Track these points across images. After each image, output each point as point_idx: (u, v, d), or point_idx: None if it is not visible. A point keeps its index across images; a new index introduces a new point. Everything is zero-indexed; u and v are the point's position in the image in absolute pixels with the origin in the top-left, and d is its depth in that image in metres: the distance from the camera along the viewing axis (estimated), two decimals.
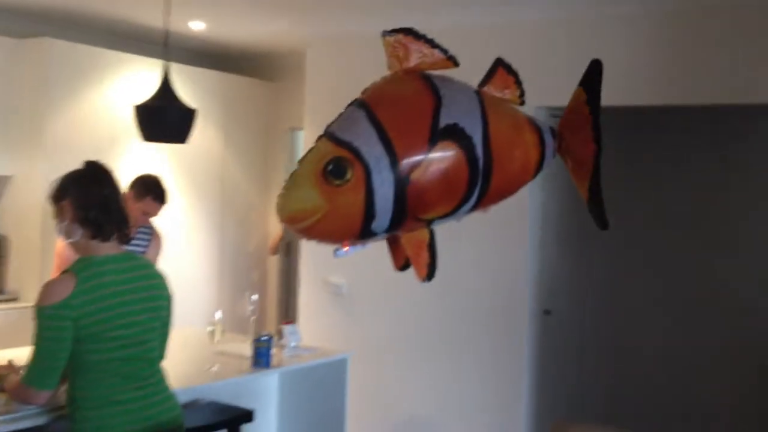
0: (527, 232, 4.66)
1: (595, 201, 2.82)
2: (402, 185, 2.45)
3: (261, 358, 3.60)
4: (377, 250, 5.20)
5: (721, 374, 5.06)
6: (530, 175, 2.89)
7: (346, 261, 5.14)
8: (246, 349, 3.74)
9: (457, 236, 4.80)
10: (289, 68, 6.17)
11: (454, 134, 2.52)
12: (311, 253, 5.32)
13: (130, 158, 5.18)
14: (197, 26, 5.35)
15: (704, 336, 5.15)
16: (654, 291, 5.39)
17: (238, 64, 6.39)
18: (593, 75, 2.84)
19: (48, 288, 2.44)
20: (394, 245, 2.80)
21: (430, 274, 2.70)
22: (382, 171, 2.41)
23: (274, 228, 6.21)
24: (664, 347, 5.31)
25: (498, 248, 4.72)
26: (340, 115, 2.55)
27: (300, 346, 3.99)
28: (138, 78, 5.29)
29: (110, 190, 2.60)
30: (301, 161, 2.48)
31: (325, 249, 5.36)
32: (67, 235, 2.54)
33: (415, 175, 2.45)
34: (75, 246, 2.55)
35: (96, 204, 2.52)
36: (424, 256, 2.71)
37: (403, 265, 2.76)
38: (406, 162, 2.45)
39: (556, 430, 2.85)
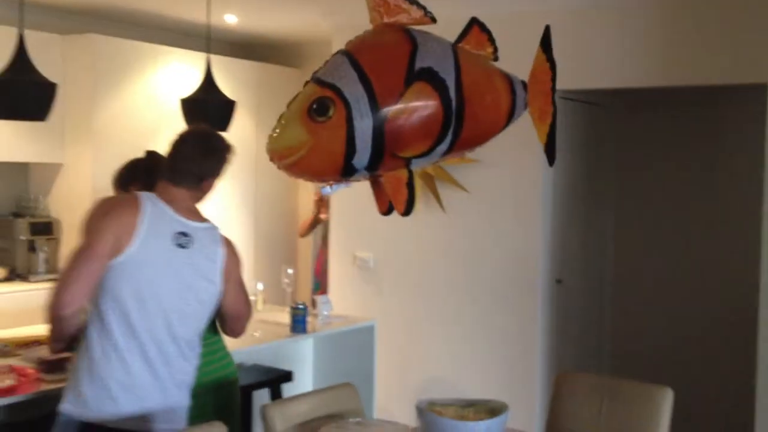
0: (540, 205, 4.97)
1: (550, 143, 3.13)
2: (380, 122, 2.63)
3: (298, 324, 3.95)
4: (400, 228, 5.61)
5: (721, 342, 5.40)
6: (503, 122, 3.07)
7: (373, 237, 5.54)
8: (284, 317, 4.10)
9: (472, 210, 5.17)
10: (317, 56, 6.48)
11: (428, 76, 2.71)
12: (341, 230, 5.68)
13: None
14: (231, 19, 5.71)
15: (708, 306, 5.48)
16: (659, 260, 5.72)
17: (268, 54, 6.74)
18: (546, 39, 3.16)
19: None
20: (377, 190, 2.98)
21: (408, 210, 2.88)
22: (361, 108, 2.59)
23: (305, 211, 6.58)
24: (670, 314, 5.65)
25: (512, 221, 5.04)
26: (326, 62, 2.74)
27: (332, 315, 4.35)
28: (177, 69, 5.66)
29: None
30: (289, 104, 2.67)
31: (354, 226, 5.74)
32: None
33: (392, 113, 2.62)
34: None
35: None
36: (403, 192, 2.88)
37: (387, 209, 2.96)
38: (384, 100, 2.62)
39: (560, 380, 3.17)
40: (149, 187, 2.80)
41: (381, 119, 2.63)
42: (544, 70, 3.14)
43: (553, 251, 5.13)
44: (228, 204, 6.11)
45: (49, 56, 5.16)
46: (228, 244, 2.70)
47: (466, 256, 5.22)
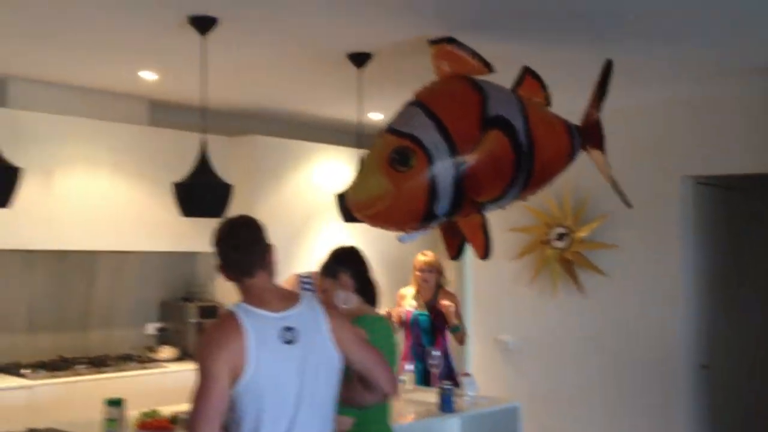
0: (680, 289, 5.03)
1: (614, 185, 3.17)
2: (459, 169, 2.72)
3: (446, 404, 4.10)
4: (540, 311, 5.76)
5: None
6: (564, 164, 3.15)
7: (513, 320, 5.73)
8: (430, 396, 4.31)
9: (611, 293, 5.27)
10: None
11: (501, 123, 2.81)
12: (481, 313, 5.90)
13: (325, 234, 5.98)
14: (375, 116, 6.16)
15: None
16: None
17: None
18: (605, 75, 3.17)
19: None
20: (447, 235, 3.09)
21: (486, 253, 2.95)
22: (441, 156, 2.67)
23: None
24: None
25: (652, 304, 5.11)
26: (397, 113, 2.86)
27: (477, 395, 4.53)
28: (329, 164, 6.14)
29: (369, 268, 3.14)
30: (367, 155, 2.78)
31: (495, 309, 5.89)
32: (346, 302, 3.04)
33: (470, 160, 2.72)
34: (347, 310, 3.04)
35: (368, 278, 3.10)
36: (480, 237, 2.97)
37: (455, 254, 3.06)
38: (462, 148, 2.72)
39: None
40: (357, 276, 3.06)
41: (460, 166, 2.73)
42: (593, 112, 3.16)
43: (698, 336, 5.12)
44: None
45: (216, 156, 5.69)
46: (327, 305, 2.67)
47: (605, 338, 5.30)
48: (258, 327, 2.42)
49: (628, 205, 3.28)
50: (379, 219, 2.77)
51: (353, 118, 5.38)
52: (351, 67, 4.35)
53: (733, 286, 5.61)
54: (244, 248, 2.54)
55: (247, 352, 2.38)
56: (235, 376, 2.37)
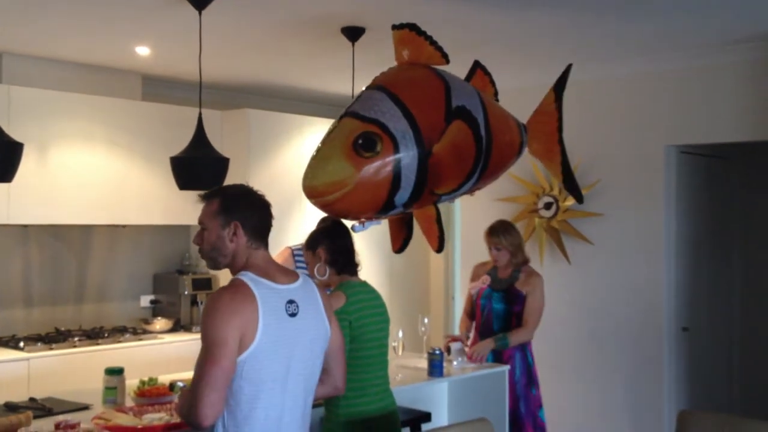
0: (663, 255, 5.15)
1: (568, 180, 3.13)
2: (424, 158, 2.64)
3: (435, 368, 4.22)
4: None
5: None
6: (513, 160, 3.15)
7: None
8: (420, 362, 4.43)
9: (597, 261, 5.39)
10: None
11: (464, 114, 2.74)
12: (469, 280, 6.00)
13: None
14: None
15: None
16: None
17: None
18: (564, 79, 3.17)
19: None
20: (395, 228, 3.09)
21: (440, 246, 2.96)
22: (407, 144, 2.59)
23: (435, 257, 6.91)
24: None
25: (636, 271, 5.24)
26: (357, 98, 2.74)
27: (465, 360, 4.66)
28: (321, 137, 6.19)
29: (350, 241, 3.22)
30: (325, 139, 2.65)
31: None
32: (321, 273, 3.14)
33: (435, 150, 2.64)
34: (327, 280, 3.16)
35: (343, 251, 3.17)
36: (434, 229, 2.98)
37: (400, 248, 3.10)
38: (428, 137, 2.64)
39: (682, 417, 3.32)
40: (332, 249, 3.14)
41: (425, 155, 2.66)
42: (550, 111, 3.17)
43: (679, 300, 5.26)
44: (364, 255, 6.53)
45: (209, 129, 5.75)
46: (317, 284, 2.68)
47: (591, 305, 5.44)
48: (266, 297, 2.41)
49: (579, 200, 3.32)
50: (339, 206, 2.67)
51: (347, 92, 5.44)
52: (345, 42, 4.42)
53: (714, 251, 5.75)
54: (270, 218, 2.54)
55: (257, 323, 2.36)
56: (242, 344, 2.33)
